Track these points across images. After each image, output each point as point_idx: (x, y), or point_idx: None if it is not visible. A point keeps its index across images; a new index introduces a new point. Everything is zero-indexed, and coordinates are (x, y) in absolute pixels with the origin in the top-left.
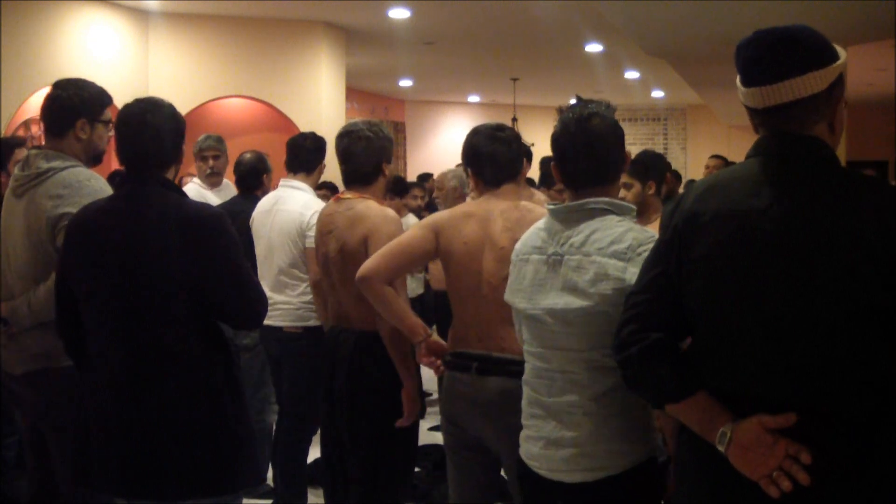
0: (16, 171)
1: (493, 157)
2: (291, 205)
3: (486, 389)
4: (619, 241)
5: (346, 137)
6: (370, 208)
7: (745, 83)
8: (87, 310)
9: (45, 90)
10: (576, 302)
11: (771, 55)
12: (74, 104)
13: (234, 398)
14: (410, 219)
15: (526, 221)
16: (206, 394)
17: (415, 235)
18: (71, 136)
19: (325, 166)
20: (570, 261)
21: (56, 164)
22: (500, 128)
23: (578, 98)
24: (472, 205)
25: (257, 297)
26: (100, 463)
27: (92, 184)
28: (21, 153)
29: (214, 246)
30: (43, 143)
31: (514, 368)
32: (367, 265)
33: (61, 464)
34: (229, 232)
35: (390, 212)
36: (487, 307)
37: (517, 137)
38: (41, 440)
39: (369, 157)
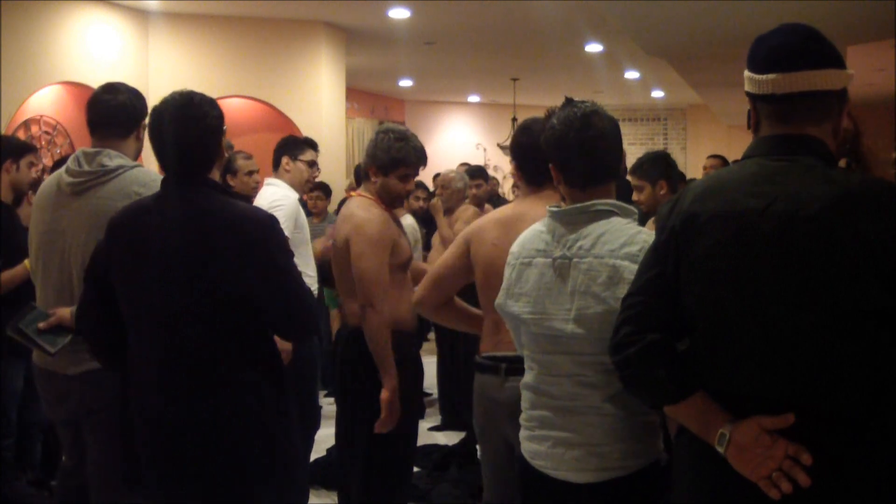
0: (70, 167)
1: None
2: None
3: (513, 389)
4: (631, 244)
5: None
6: (358, 207)
7: (765, 69)
8: (130, 313)
9: (46, 90)
10: (592, 307)
11: (800, 44)
12: (137, 108)
13: (280, 417)
14: (408, 219)
15: None
16: (249, 410)
17: (450, 253)
18: (132, 138)
19: (297, 162)
20: (581, 264)
21: (123, 162)
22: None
23: (568, 100)
24: (508, 209)
25: (304, 308)
26: (145, 467)
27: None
28: (31, 157)
29: (262, 250)
30: (73, 144)
31: None
32: (416, 295)
33: (100, 463)
34: (279, 236)
35: (376, 211)
36: None
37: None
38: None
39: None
